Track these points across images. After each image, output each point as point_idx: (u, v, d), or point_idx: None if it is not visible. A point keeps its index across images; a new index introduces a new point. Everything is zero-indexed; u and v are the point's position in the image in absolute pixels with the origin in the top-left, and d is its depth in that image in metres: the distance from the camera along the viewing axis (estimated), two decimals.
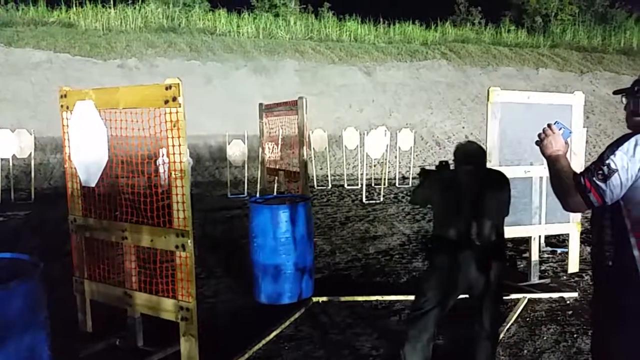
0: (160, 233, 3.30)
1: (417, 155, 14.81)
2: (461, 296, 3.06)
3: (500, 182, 3.11)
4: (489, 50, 22.02)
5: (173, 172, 3.16)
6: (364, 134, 11.22)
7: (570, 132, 2.10)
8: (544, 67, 21.66)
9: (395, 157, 13.10)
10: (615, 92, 2.19)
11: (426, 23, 23.18)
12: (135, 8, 19.43)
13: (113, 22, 18.49)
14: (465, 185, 3.03)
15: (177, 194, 3.16)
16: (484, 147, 3.26)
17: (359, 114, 17.21)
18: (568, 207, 1.94)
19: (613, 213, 1.89)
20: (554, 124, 2.08)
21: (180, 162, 3.14)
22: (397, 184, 12.28)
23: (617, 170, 1.81)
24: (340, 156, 13.88)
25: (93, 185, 3.71)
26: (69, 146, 3.86)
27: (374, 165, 12.86)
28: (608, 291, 1.95)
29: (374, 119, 16.58)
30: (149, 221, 3.39)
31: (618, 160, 1.82)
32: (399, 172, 13.11)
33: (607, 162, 1.83)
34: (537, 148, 2.10)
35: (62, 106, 3.86)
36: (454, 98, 18.90)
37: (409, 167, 13.10)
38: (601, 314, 2.01)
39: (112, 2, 19.04)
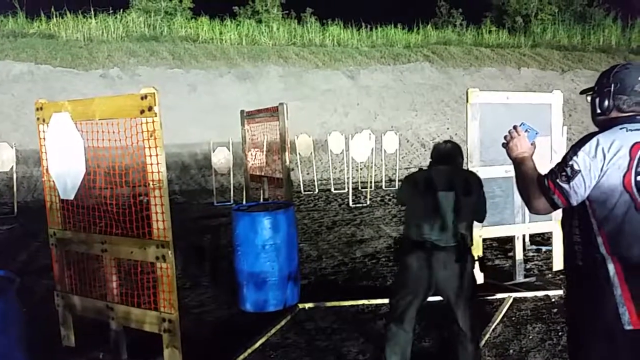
0: (139, 244, 3.26)
1: (402, 158, 14.86)
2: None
3: (471, 182, 3.08)
4: (471, 52, 22.22)
5: (151, 182, 3.13)
6: (349, 137, 11.25)
7: (537, 133, 2.10)
8: (526, 66, 21.89)
9: (381, 160, 13.14)
10: (581, 92, 2.20)
11: (408, 26, 23.36)
12: (116, 17, 19.34)
13: (94, 32, 18.38)
14: (436, 185, 3.01)
15: (156, 204, 3.13)
16: (460, 147, 3.24)
17: (344, 118, 17.25)
18: (533, 209, 1.93)
19: (580, 213, 1.90)
20: (520, 125, 2.09)
21: (158, 171, 3.11)
22: (383, 187, 12.30)
23: (580, 171, 1.82)
24: (327, 160, 13.89)
25: (71, 197, 3.67)
26: (46, 159, 3.81)
27: (360, 169, 12.88)
28: (579, 290, 1.96)
29: (359, 122, 16.63)
30: (129, 233, 3.35)
31: (581, 161, 1.82)
32: (386, 175, 13.14)
33: (570, 163, 1.84)
34: None
35: (38, 119, 3.81)
36: (438, 100, 19.02)
37: (395, 170, 13.13)
38: (574, 312, 2.02)
39: (93, 12, 18.92)
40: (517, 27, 26.25)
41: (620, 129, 1.87)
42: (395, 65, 20.36)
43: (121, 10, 19.89)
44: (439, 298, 3.09)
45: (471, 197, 3.02)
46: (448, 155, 3.15)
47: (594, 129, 2.00)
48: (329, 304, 4.55)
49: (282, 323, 4.17)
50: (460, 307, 2.97)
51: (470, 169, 4.79)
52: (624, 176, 1.79)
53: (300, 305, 4.54)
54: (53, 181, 3.78)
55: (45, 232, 3.98)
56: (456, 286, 2.95)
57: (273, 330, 4.03)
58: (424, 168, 3.26)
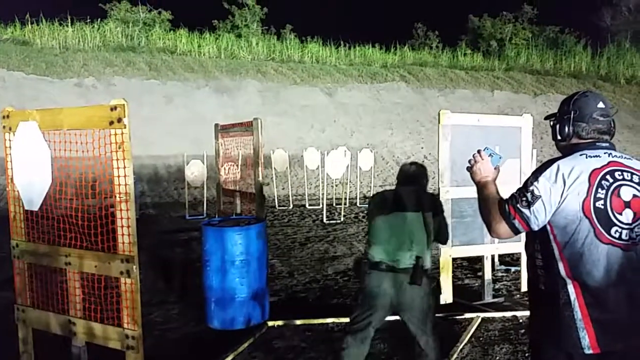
0: (104, 259, 3.18)
1: (377, 175, 14.96)
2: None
3: (432, 205, 3.10)
4: (446, 74, 22.64)
5: (118, 195, 3.07)
6: (325, 154, 11.29)
7: (500, 158, 2.13)
8: (499, 89, 22.40)
9: (356, 176, 13.20)
10: (545, 118, 2.25)
11: (386, 46, 23.75)
12: (93, 27, 19.15)
13: (70, 40, 18.16)
14: (397, 206, 3.04)
15: (121, 218, 3.06)
16: (425, 169, 3.28)
17: (321, 134, 17.33)
18: (494, 233, 1.94)
19: (542, 238, 1.92)
20: (484, 150, 2.12)
21: (125, 184, 3.05)
22: (358, 204, 12.34)
23: (540, 196, 1.84)
24: (302, 176, 13.89)
25: (36, 208, 3.57)
26: (11, 168, 3.71)
27: (335, 185, 12.91)
28: (541, 313, 1.98)
29: (335, 139, 16.72)
30: (94, 246, 3.27)
31: (541, 186, 1.85)
32: (360, 192, 13.20)
33: (530, 188, 1.86)
34: None
35: (4, 127, 3.72)
36: (413, 119, 19.28)
37: (370, 187, 13.21)
38: (536, 335, 2.03)
39: (69, 20, 18.70)
40: (491, 50, 26.93)
41: (580, 155, 1.91)
42: (372, 84, 20.61)
43: (99, 19, 19.72)
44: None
45: (432, 219, 3.04)
46: (413, 176, 3.19)
47: None
48: (298, 322, 4.51)
49: (250, 341, 4.11)
50: (419, 328, 2.99)
51: (441, 189, 4.85)
52: (583, 202, 1.82)
53: (270, 323, 4.48)
54: (17, 191, 3.68)
55: (8, 244, 3.86)
56: (413, 307, 2.98)
57: (240, 349, 3.96)
58: (391, 189, 3.30)
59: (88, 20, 19.31)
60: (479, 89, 22.11)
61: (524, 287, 5.41)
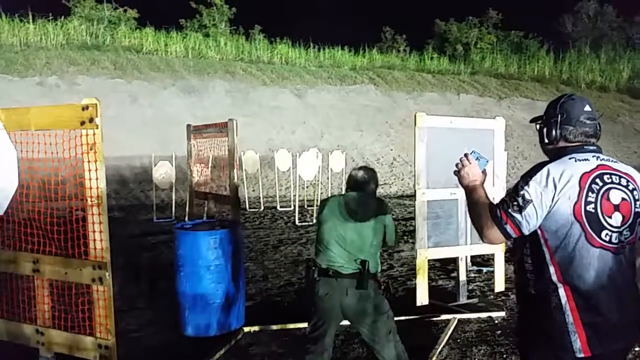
0: (75, 265, 3.04)
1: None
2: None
3: (378, 209, 3.11)
4: (413, 77, 22.91)
5: (89, 199, 2.93)
6: (296, 155, 11.22)
7: (487, 161, 2.11)
8: (465, 92, 22.80)
9: (327, 178, 13.18)
10: (531, 121, 2.25)
11: (355, 49, 23.86)
12: (56, 24, 18.55)
13: (32, 37, 17.54)
14: (344, 211, 3.05)
15: (93, 222, 2.93)
16: (374, 174, 3.26)
17: (291, 135, 17.25)
18: (487, 239, 1.92)
19: (532, 242, 1.91)
20: (471, 153, 2.09)
21: (97, 187, 2.92)
22: None
23: (531, 200, 1.83)
24: (273, 178, 13.78)
25: (1, 212, 3.39)
26: None
27: (307, 187, 12.85)
28: (532, 318, 1.97)
29: (305, 140, 16.67)
30: (64, 252, 3.12)
31: (532, 190, 1.84)
32: (331, 194, 13.17)
33: (521, 193, 1.85)
34: None
35: None
36: (382, 121, 19.41)
37: (341, 189, 13.19)
38: (527, 340, 2.03)
39: (31, 16, 18.06)
40: (457, 54, 27.42)
41: (570, 158, 1.91)
42: (341, 86, 20.66)
43: (62, 17, 19.12)
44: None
45: (378, 224, 3.05)
46: (361, 182, 3.18)
47: (529, 154, 2.04)
48: (275, 327, 4.43)
49: (226, 348, 4.01)
50: (371, 333, 2.99)
51: (417, 191, 4.86)
52: (574, 206, 1.82)
53: (245, 329, 4.39)
54: None
55: None
56: (362, 313, 2.97)
57: (216, 356, 3.86)
58: (340, 194, 3.28)
59: (51, 18, 18.70)
60: (445, 92, 22.44)
61: (498, 288, 5.48)
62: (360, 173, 3.21)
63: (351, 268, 2.96)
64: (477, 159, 2.09)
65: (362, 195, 3.14)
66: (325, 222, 3.08)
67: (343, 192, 3.30)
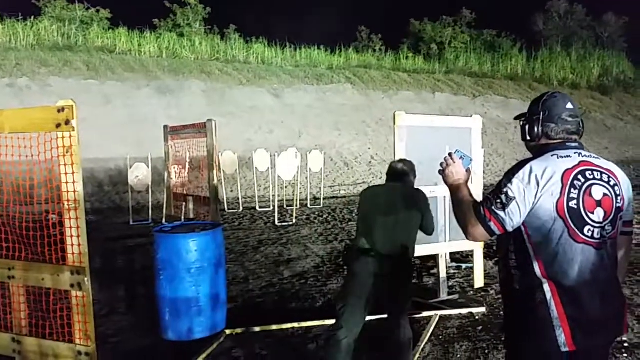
0: (52, 271, 2.97)
1: (327, 176, 14.98)
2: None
3: (419, 200, 3.31)
4: (389, 76, 23.06)
5: (66, 203, 2.86)
6: (274, 155, 11.15)
7: (471, 160, 2.14)
8: (440, 91, 23.05)
9: (306, 178, 13.15)
10: (515, 118, 2.28)
11: (331, 48, 23.91)
12: (26, 24, 18.11)
13: (1, 38, 17.08)
14: (386, 200, 3.28)
15: (71, 227, 2.86)
16: (412, 166, 3.53)
17: (269, 135, 17.18)
18: (471, 236, 1.94)
19: (516, 239, 1.94)
20: (455, 152, 2.11)
21: (75, 191, 2.85)
22: (309, 205, 12.30)
23: (514, 198, 1.85)
24: (251, 178, 13.69)
25: None
26: None
27: (286, 187, 12.80)
28: (517, 313, 1.99)
29: (283, 140, 16.62)
30: (40, 257, 3.04)
31: (515, 188, 1.86)
32: (311, 193, 13.17)
33: (504, 190, 1.87)
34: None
35: None
36: (360, 120, 19.48)
37: (320, 188, 13.20)
38: (512, 335, 2.05)
39: None
40: (432, 54, 27.70)
41: (552, 155, 1.94)
42: (318, 85, 20.66)
43: (32, 17, 18.68)
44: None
45: (418, 213, 3.27)
46: (400, 173, 3.45)
47: (504, 151, 2.06)
48: (257, 328, 4.40)
49: (208, 351, 3.96)
50: (397, 310, 3.21)
51: None
52: (556, 202, 1.84)
53: (227, 332, 4.34)
54: None
55: None
56: (396, 292, 3.17)
57: None
58: (381, 184, 3.57)
59: (20, 18, 18.25)
60: (421, 90, 22.65)
61: (477, 284, 5.54)
62: (400, 165, 3.51)
63: (392, 251, 3.14)
64: (461, 157, 2.11)
65: (402, 185, 3.41)
66: (368, 208, 3.32)
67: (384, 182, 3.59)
